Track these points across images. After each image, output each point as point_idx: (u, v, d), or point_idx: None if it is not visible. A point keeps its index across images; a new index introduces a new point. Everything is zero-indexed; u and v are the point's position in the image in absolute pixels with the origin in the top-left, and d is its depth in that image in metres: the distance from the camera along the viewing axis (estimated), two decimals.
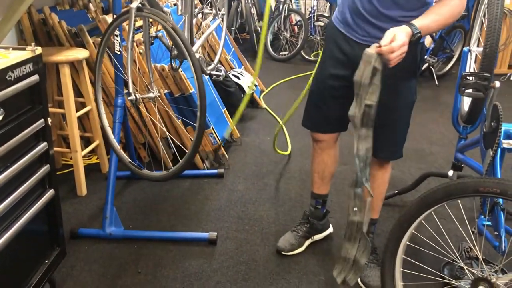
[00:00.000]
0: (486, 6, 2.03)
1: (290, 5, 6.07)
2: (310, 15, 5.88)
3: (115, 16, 2.22)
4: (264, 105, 4.20)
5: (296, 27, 6.25)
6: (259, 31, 6.41)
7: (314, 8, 5.88)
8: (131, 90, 1.99)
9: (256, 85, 4.07)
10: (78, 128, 2.70)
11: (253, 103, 4.17)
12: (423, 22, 1.55)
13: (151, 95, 2.04)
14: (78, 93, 2.89)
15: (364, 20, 1.72)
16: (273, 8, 6.41)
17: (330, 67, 1.86)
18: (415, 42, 1.55)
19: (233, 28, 6.25)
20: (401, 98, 1.81)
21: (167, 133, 2.65)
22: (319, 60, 1.99)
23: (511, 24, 5.15)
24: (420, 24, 1.54)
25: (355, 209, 1.62)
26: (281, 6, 5.88)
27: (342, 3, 1.80)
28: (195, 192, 2.71)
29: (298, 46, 5.81)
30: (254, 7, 6.30)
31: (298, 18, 6.05)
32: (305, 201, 2.61)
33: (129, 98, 1.99)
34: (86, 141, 3.07)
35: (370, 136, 1.57)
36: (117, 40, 2.27)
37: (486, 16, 1.98)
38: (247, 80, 3.91)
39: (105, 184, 2.40)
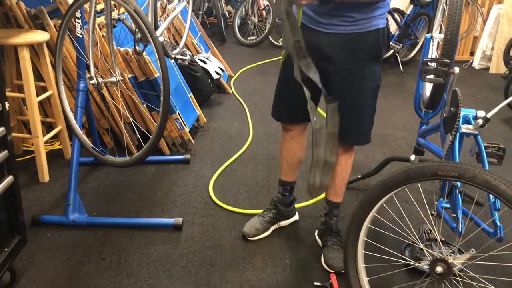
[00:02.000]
0: None
1: None
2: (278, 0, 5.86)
3: None
4: (231, 91, 4.18)
5: (264, 12, 6.22)
6: (227, 15, 6.36)
7: None
8: (92, 74, 1.95)
9: (223, 70, 4.04)
10: (40, 113, 2.62)
11: (220, 88, 4.15)
12: None
13: (113, 79, 2.00)
14: (39, 77, 2.80)
15: (326, 12, 1.73)
16: None
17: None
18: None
19: (200, 12, 6.17)
20: (366, 82, 1.83)
21: (131, 118, 2.61)
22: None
23: (473, 12, 5.27)
24: None
25: (314, 118, 1.69)
26: None
27: None
28: (160, 178, 2.68)
29: (266, 31, 5.80)
30: None
31: (266, 2, 6.02)
32: (271, 186, 2.63)
33: (91, 82, 1.95)
34: (48, 127, 2.99)
35: (310, 62, 1.67)
36: (79, 23, 2.21)
37: (447, 4, 2.01)
38: (214, 65, 3.87)
39: (68, 170, 2.35)
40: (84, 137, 2.21)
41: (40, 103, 2.78)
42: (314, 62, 1.68)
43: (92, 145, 2.21)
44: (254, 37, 5.96)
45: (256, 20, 6.02)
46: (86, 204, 2.32)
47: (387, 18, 5.40)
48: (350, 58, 1.75)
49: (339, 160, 1.96)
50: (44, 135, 2.63)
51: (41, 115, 2.78)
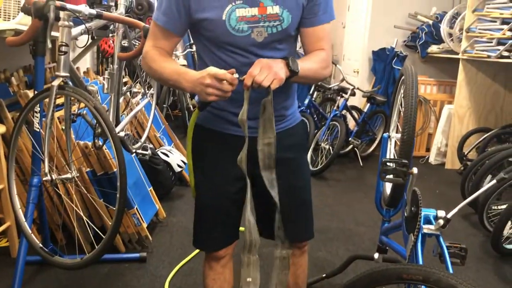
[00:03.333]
0: (402, 96, 2.16)
1: None
2: None
3: (36, 92, 2.14)
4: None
5: None
6: (191, 109, 6.47)
7: None
8: (47, 170, 1.88)
9: (185, 163, 4.02)
10: None
11: (182, 181, 4.09)
12: (301, 61, 1.49)
13: (68, 175, 1.93)
14: None
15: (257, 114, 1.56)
16: None
17: (229, 170, 1.61)
18: (292, 68, 1.43)
19: (165, 106, 6.26)
20: (304, 174, 1.77)
21: (83, 216, 2.49)
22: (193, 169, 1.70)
23: (427, 111, 5.56)
24: (295, 60, 1.46)
25: (248, 280, 1.47)
26: None
27: (218, 104, 1.59)
28: (114, 279, 2.52)
29: None
30: None
31: None
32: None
33: (43, 179, 1.87)
34: None
35: (275, 179, 1.51)
36: (37, 117, 2.17)
37: (402, 105, 2.10)
38: (176, 157, 3.85)
39: (13, 270, 2.18)
40: (33, 236, 2.07)
41: None
42: (251, 171, 1.51)
43: (41, 245, 2.08)
44: None
45: None
46: None
47: (345, 115, 5.59)
48: (288, 154, 1.66)
49: (300, 262, 1.87)
50: None
51: None
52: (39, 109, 2.16)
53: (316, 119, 5.23)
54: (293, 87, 1.71)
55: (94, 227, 2.53)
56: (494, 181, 1.84)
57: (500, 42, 4.33)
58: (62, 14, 1.97)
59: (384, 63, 5.78)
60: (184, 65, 6.20)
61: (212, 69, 1.38)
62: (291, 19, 1.50)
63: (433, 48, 5.59)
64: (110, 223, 2.68)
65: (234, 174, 1.61)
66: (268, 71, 1.38)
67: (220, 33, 1.48)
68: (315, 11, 1.53)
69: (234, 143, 1.57)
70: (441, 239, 1.77)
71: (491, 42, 4.43)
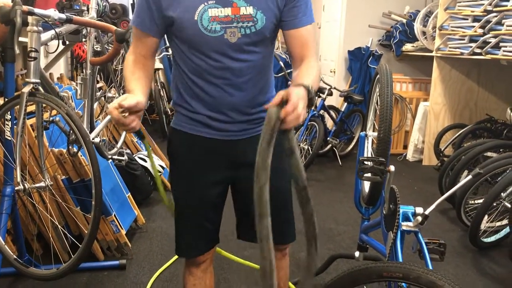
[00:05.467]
0: (378, 94, 2.17)
1: None
2: None
3: (6, 99, 2.08)
4: None
5: None
6: (169, 112, 6.42)
7: None
8: (19, 179, 1.83)
9: (164, 168, 3.98)
10: None
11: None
12: (308, 81, 1.39)
13: (42, 184, 1.89)
14: None
15: (235, 118, 1.57)
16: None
17: (209, 175, 1.61)
18: (311, 100, 1.34)
19: None
20: (284, 176, 1.66)
21: (58, 225, 2.43)
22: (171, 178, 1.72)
23: (403, 109, 5.62)
24: (308, 82, 1.37)
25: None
26: None
27: (193, 107, 1.57)
28: None
29: None
30: (163, 89, 6.35)
31: None
32: None
33: (16, 188, 1.82)
34: None
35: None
36: (8, 125, 2.12)
37: (378, 104, 2.11)
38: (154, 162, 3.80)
39: None
40: (6, 248, 2.02)
41: None
42: (232, 175, 1.56)
43: (15, 256, 2.02)
44: None
45: None
46: None
47: (323, 115, 5.59)
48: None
49: (282, 264, 1.86)
50: None
51: None
52: (10, 117, 2.11)
53: None
54: (271, 88, 1.68)
55: (71, 236, 2.47)
56: (470, 177, 1.86)
57: (472, 39, 4.40)
58: (30, 19, 1.92)
59: (360, 62, 5.83)
60: (160, 69, 6.15)
61: (118, 99, 1.32)
62: (265, 21, 1.49)
63: (408, 47, 5.66)
64: (86, 231, 2.63)
65: (213, 178, 1.60)
66: (297, 117, 1.25)
67: (192, 34, 1.46)
68: (295, 13, 1.51)
69: (211, 146, 1.57)
70: (420, 236, 1.78)
71: (464, 40, 4.51)
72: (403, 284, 1.65)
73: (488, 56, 4.13)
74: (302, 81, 1.37)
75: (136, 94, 1.39)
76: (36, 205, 2.48)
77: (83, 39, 2.74)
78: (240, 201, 1.71)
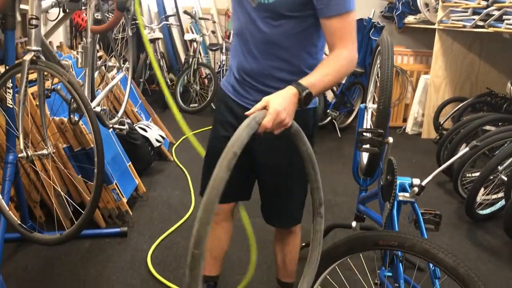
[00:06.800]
0: (378, 67, 2.17)
1: (200, 59, 6.15)
2: (219, 69, 5.99)
3: (7, 67, 2.09)
4: (173, 158, 4.12)
5: (206, 80, 6.32)
6: (169, 83, 6.40)
7: (223, 62, 6.00)
8: (22, 147, 1.85)
9: (164, 138, 4.00)
10: None
11: (161, 156, 4.08)
12: (311, 80, 1.39)
13: (44, 151, 1.91)
14: None
15: (251, 86, 1.63)
16: (183, 60, 6.47)
17: (223, 130, 1.72)
18: (305, 101, 1.35)
19: (141, 80, 6.17)
20: (295, 163, 1.67)
21: (61, 192, 2.47)
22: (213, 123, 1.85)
23: (403, 82, 5.61)
24: (308, 82, 1.37)
25: None
26: (190, 60, 5.94)
27: (231, 65, 1.71)
28: (95, 254, 2.52)
29: (208, 98, 5.86)
30: (163, 59, 6.31)
31: (208, 71, 6.13)
32: None
33: (19, 155, 1.84)
34: None
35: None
36: (10, 93, 2.13)
37: (379, 76, 2.11)
38: (154, 132, 3.83)
39: None
40: (11, 214, 2.06)
41: None
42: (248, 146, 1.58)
43: (19, 222, 2.06)
44: (196, 105, 6.00)
45: (198, 88, 6.09)
46: (11, 286, 2.12)
47: None
48: (279, 142, 1.52)
49: (287, 240, 1.90)
50: None
51: None
52: (11, 85, 2.11)
53: None
54: (298, 69, 1.60)
55: (73, 203, 2.51)
56: (467, 149, 1.88)
57: (475, 11, 4.36)
58: None
59: (361, 34, 5.77)
60: (159, 38, 6.09)
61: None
62: None
63: (410, 19, 5.61)
64: (89, 199, 2.68)
65: (227, 135, 1.65)
66: (279, 125, 1.30)
67: None
68: (325, 0, 1.42)
69: (231, 106, 1.70)
70: (416, 206, 1.82)
71: (467, 12, 4.46)
72: (398, 252, 1.70)
73: (491, 29, 4.10)
74: (302, 80, 1.38)
75: None
76: (39, 172, 2.52)
77: (83, 7, 2.72)
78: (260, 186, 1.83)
